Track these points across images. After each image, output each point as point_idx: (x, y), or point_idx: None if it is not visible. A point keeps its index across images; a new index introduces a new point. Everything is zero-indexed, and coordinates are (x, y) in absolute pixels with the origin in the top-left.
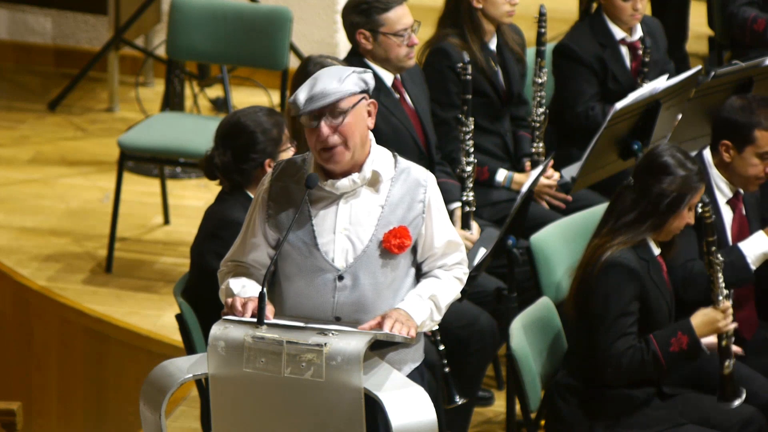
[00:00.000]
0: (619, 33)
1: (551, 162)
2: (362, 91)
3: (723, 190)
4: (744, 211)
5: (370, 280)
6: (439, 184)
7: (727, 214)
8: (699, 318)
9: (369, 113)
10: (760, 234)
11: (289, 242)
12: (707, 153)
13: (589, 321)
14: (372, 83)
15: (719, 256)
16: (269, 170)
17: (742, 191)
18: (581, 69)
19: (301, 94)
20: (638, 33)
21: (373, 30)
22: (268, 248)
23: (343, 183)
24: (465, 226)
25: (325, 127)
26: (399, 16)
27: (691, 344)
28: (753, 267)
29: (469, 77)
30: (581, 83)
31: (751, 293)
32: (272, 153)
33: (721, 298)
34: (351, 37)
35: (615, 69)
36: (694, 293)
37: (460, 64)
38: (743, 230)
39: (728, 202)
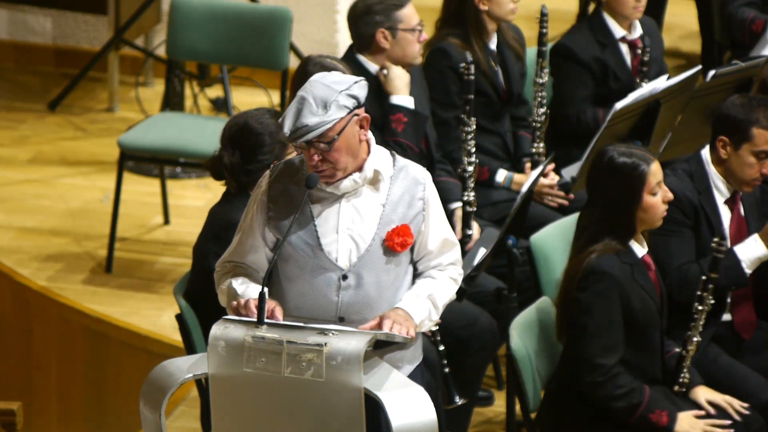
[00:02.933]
0: (618, 31)
1: (552, 165)
2: (352, 109)
3: (721, 190)
4: (742, 212)
5: (374, 279)
6: (439, 183)
7: (726, 214)
8: (685, 420)
9: (362, 126)
10: (755, 238)
11: (291, 243)
12: (705, 152)
13: (575, 330)
14: (363, 93)
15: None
16: (266, 172)
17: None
18: (577, 69)
19: (287, 122)
20: (638, 31)
21: (392, 28)
22: (266, 250)
23: (345, 184)
24: (465, 226)
25: (313, 154)
26: (412, 12)
27: (666, 427)
28: (748, 271)
29: (472, 77)
30: (575, 85)
31: (749, 293)
32: (279, 155)
33: (681, 380)
34: (368, 38)
35: (616, 68)
36: (688, 297)
37: (463, 64)
38: (741, 230)
39: (726, 202)
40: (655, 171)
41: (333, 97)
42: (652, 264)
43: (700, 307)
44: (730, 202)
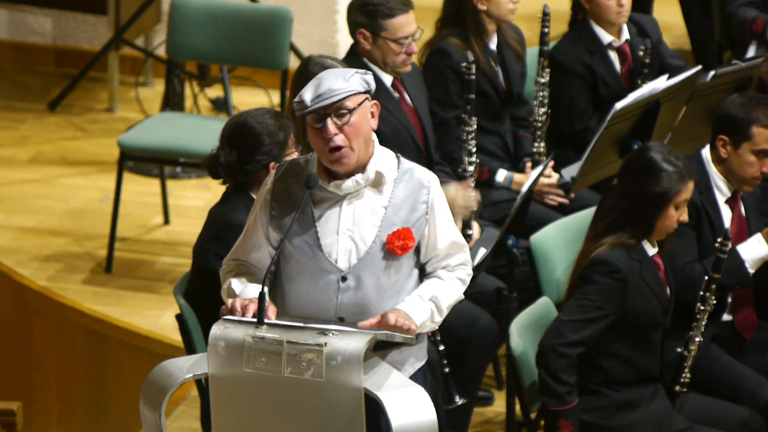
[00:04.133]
0: (606, 37)
1: (552, 163)
2: (366, 91)
3: (722, 189)
4: (743, 211)
5: (373, 282)
6: None
7: (726, 214)
8: None
9: (372, 114)
10: (758, 237)
11: (292, 243)
12: (705, 151)
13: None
14: (373, 85)
15: (712, 300)
16: (272, 171)
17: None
18: (570, 79)
19: (307, 93)
20: (625, 35)
21: (374, 32)
22: (269, 248)
23: (347, 184)
24: (465, 226)
25: (331, 126)
26: (402, 24)
27: None
28: (751, 271)
29: (473, 77)
30: (572, 95)
31: (750, 293)
32: (277, 156)
33: (683, 380)
34: (352, 34)
35: (604, 74)
36: (692, 297)
37: (464, 64)
38: (742, 230)
39: (727, 202)
40: (689, 188)
41: (351, 73)
42: (662, 264)
43: (702, 307)
44: (731, 202)
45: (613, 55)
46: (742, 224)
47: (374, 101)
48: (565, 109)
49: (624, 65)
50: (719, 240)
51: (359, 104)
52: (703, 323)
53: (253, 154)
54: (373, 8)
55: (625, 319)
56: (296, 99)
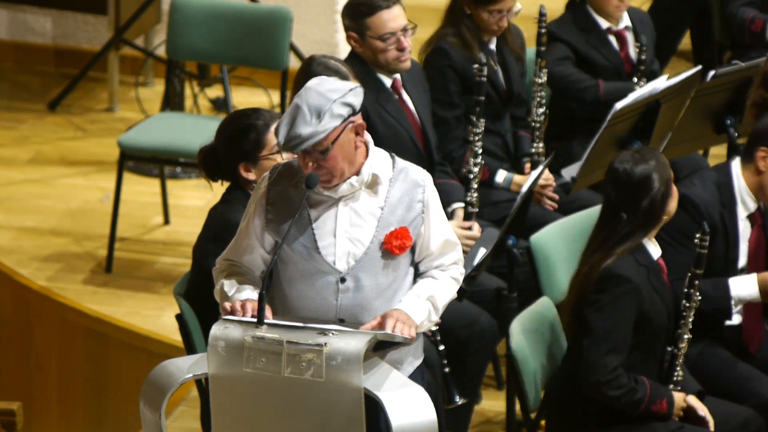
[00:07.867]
0: (604, 23)
1: (550, 163)
2: (347, 117)
3: (746, 203)
4: (764, 228)
5: (372, 282)
6: (439, 184)
7: (746, 230)
8: (679, 397)
9: (357, 133)
10: (753, 277)
11: (289, 246)
12: (736, 163)
13: (583, 328)
14: (359, 100)
15: (698, 295)
16: (266, 174)
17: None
18: (556, 45)
19: (281, 131)
20: (625, 22)
21: (360, 33)
22: (262, 251)
23: (342, 187)
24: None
25: (308, 162)
26: (384, 21)
27: (666, 414)
28: (734, 309)
29: (483, 79)
30: (556, 57)
31: (760, 306)
32: (246, 157)
33: (675, 378)
34: (346, 37)
35: (601, 50)
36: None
37: (476, 66)
38: (760, 248)
39: (749, 217)
40: (671, 172)
41: (327, 106)
42: (665, 267)
43: (687, 304)
44: (753, 218)
45: (612, 38)
46: (761, 241)
47: (358, 122)
48: (549, 58)
49: (623, 50)
50: (698, 236)
51: (336, 138)
52: (690, 320)
53: (222, 149)
54: (356, 9)
55: (635, 324)
56: (275, 127)
